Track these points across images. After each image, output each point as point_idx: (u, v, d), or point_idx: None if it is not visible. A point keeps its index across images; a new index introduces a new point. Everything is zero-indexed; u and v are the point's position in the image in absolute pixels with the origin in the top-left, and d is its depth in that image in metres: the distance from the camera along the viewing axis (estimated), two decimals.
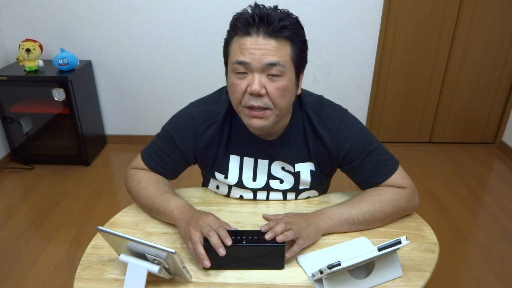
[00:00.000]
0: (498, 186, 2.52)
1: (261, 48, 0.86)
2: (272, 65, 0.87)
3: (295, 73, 0.92)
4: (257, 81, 0.88)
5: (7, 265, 1.84)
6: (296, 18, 0.91)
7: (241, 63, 0.88)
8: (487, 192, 2.46)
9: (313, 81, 2.80)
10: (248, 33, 0.87)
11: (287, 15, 0.89)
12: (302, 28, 0.93)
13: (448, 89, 2.86)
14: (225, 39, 0.94)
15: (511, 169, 2.73)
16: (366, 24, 2.63)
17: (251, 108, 0.91)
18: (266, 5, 0.90)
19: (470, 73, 2.80)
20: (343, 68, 2.77)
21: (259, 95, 0.89)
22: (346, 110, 1.06)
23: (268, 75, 0.88)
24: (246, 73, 0.89)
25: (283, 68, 0.88)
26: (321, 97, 1.08)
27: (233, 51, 0.90)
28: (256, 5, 0.90)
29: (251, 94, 0.89)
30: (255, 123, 0.93)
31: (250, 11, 0.89)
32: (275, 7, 0.90)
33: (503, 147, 2.95)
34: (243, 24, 0.87)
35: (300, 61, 0.92)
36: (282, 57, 0.87)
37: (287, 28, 0.87)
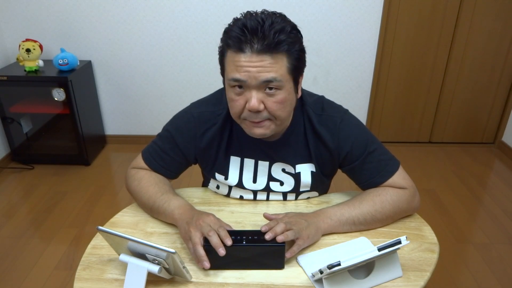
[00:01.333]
0: (498, 186, 2.52)
1: (256, 65, 0.84)
2: (269, 81, 0.85)
3: (293, 82, 0.90)
4: (254, 99, 0.87)
5: (7, 265, 1.84)
6: (293, 27, 0.87)
7: (237, 80, 0.86)
8: (487, 192, 2.46)
9: (313, 81, 2.80)
10: (241, 50, 0.84)
11: (282, 27, 0.84)
12: (299, 35, 0.89)
13: (448, 89, 2.86)
14: (219, 47, 0.92)
15: (511, 169, 2.73)
16: (366, 24, 2.63)
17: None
18: (262, 7, 0.88)
19: (470, 73, 2.80)
20: (343, 68, 2.77)
21: (258, 111, 0.88)
22: (347, 110, 1.06)
23: (265, 89, 0.87)
24: (243, 87, 0.88)
25: (280, 83, 0.86)
26: (322, 97, 1.08)
27: (228, 66, 0.88)
28: (249, 15, 0.86)
29: (250, 110, 0.88)
30: (256, 132, 0.93)
31: (240, 24, 0.84)
32: (269, 15, 0.86)
33: (503, 147, 2.95)
34: (235, 41, 0.84)
35: (298, 69, 0.90)
36: (279, 72, 0.85)
37: (283, 43, 0.83)
